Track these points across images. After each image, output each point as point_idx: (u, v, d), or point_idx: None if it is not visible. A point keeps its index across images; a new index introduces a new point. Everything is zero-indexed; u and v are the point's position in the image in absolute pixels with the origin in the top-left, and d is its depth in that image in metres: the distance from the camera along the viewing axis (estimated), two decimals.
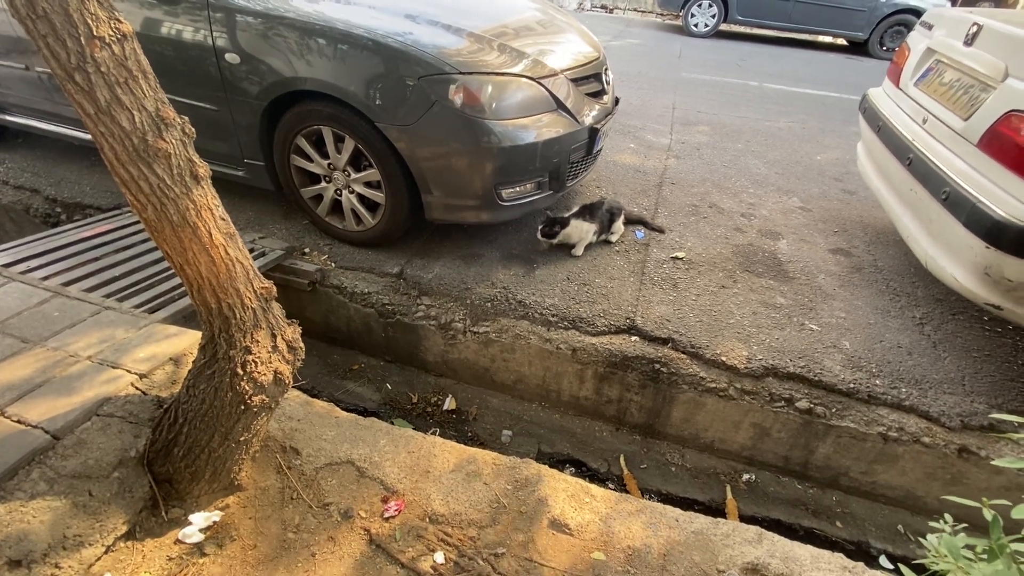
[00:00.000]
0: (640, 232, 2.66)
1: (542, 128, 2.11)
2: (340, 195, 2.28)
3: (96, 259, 2.10)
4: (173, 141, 1.08)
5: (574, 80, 2.28)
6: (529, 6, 2.76)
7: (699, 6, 8.44)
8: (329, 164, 2.20)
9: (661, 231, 2.68)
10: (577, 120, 2.24)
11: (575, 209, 2.44)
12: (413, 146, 1.98)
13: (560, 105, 2.17)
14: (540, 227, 2.36)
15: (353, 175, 2.19)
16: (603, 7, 11.47)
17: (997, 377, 1.93)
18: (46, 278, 1.93)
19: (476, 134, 1.96)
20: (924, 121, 2.06)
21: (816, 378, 1.89)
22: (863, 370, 1.93)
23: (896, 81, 2.44)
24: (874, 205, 3.11)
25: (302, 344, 1.50)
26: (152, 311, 1.84)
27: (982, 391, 1.87)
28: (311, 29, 1.95)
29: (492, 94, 1.97)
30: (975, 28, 1.91)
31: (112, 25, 0.97)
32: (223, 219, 1.26)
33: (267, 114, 2.14)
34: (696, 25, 8.58)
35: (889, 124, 2.25)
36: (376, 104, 1.93)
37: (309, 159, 2.22)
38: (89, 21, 0.93)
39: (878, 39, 7.98)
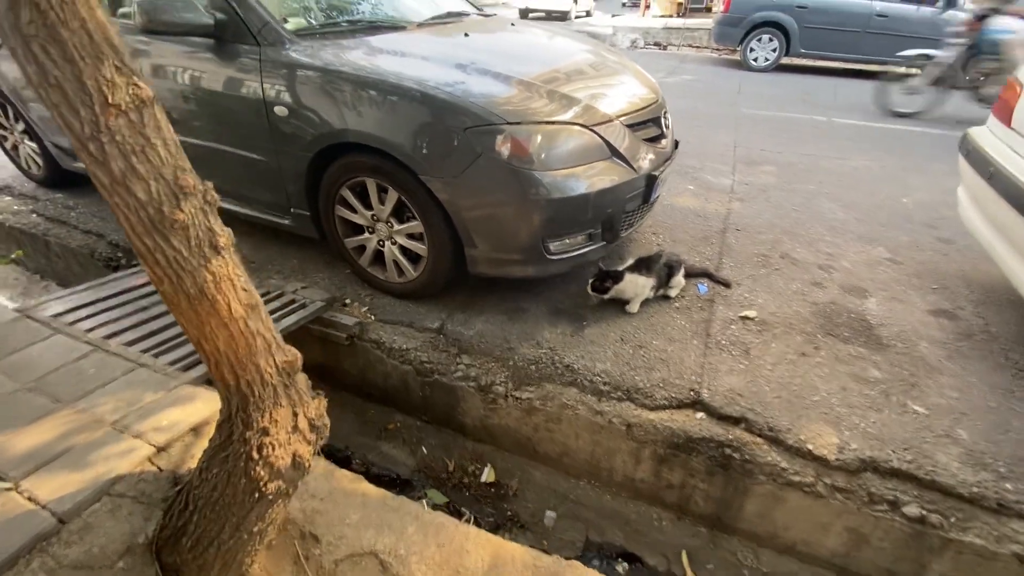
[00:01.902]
0: (703, 286, 2.42)
1: (595, 177, 1.95)
2: (383, 246, 2.20)
3: (141, 309, 2.09)
4: (192, 211, 0.99)
5: (630, 125, 2.12)
6: (582, 48, 2.65)
7: (759, 40, 8.18)
8: (372, 215, 2.13)
9: (727, 285, 2.42)
10: (633, 167, 2.06)
11: (630, 262, 2.23)
12: (457, 199, 1.87)
13: (615, 152, 2.01)
14: (591, 281, 2.17)
15: (396, 226, 2.10)
16: (656, 44, 11.41)
17: None
18: (91, 329, 1.92)
19: (523, 186, 1.82)
20: None
21: (928, 477, 1.56)
22: (988, 469, 1.58)
23: (1007, 120, 2.12)
24: (979, 257, 2.71)
25: (327, 420, 1.36)
26: (186, 368, 1.78)
27: None
28: (362, 81, 1.90)
29: (541, 143, 1.83)
30: None
31: (131, 91, 0.90)
32: (245, 289, 1.16)
33: (313, 165, 2.10)
34: (755, 60, 8.31)
35: (1005, 171, 1.93)
36: (420, 156, 1.84)
37: (353, 210, 2.15)
38: (104, 88, 0.86)
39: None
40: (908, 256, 2.75)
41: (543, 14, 15.93)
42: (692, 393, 1.83)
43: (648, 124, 2.27)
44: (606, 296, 2.17)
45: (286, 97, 2.02)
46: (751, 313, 2.22)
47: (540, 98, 1.95)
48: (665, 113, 2.44)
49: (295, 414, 1.27)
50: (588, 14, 17.95)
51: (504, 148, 1.79)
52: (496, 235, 1.94)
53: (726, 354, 2.01)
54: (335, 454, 2.12)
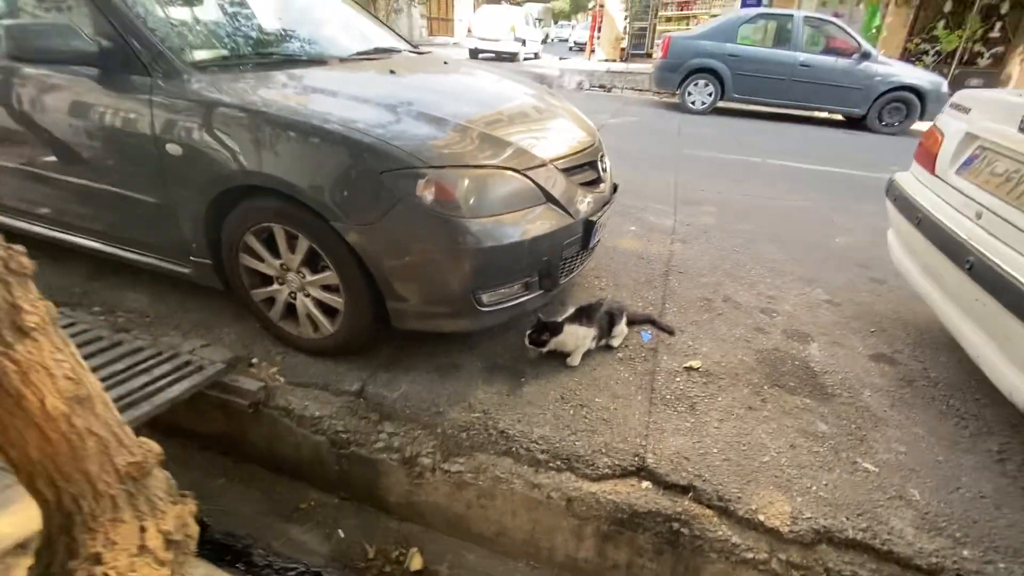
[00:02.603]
0: (647, 333, 2.30)
1: (529, 224, 1.81)
2: (295, 298, 1.96)
3: None
4: None
5: (566, 169, 2.02)
6: (525, 91, 2.57)
7: (695, 84, 8.60)
8: (282, 264, 1.89)
9: (671, 332, 2.31)
10: (570, 213, 1.94)
11: (570, 311, 2.09)
12: (374, 248, 1.68)
13: (549, 197, 1.89)
14: (528, 334, 2.00)
15: (309, 277, 1.88)
16: (601, 86, 11.84)
17: None
18: None
19: (450, 234, 1.66)
20: (978, 216, 1.75)
21: (885, 547, 1.45)
22: (944, 534, 1.48)
23: (930, 168, 2.16)
24: (910, 297, 2.75)
25: (193, 529, 1.10)
26: None
27: None
28: (268, 119, 1.70)
29: (468, 189, 1.68)
30: None
31: None
32: (70, 378, 0.91)
33: (213, 209, 1.86)
34: (693, 103, 8.71)
35: (932, 217, 1.95)
36: (330, 201, 1.64)
37: (260, 259, 1.91)
38: None
39: (876, 115, 8.01)
40: (845, 297, 2.76)
41: (492, 55, 16.34)
42: (637, 459, 1.67)
43: (585, 168, 2.18)
44: (544, 349, 2.01)
45: (181, 134, 1.79)
46: (696, 363, 2.12)
47: (469, 141, 1.82)
48: (603, 156, 2.37)
49: (143, 529, 1.01)
50: (536, 56, 18.58)
51: (427, 193, 1.63)
52: (422, 287, 1.75)
53: (671, 410, 1.88)
54: (232, 545, 1.81)
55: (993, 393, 2.00)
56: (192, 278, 2.11)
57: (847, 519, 1.51)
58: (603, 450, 1.70)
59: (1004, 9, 10.92)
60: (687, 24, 14.30)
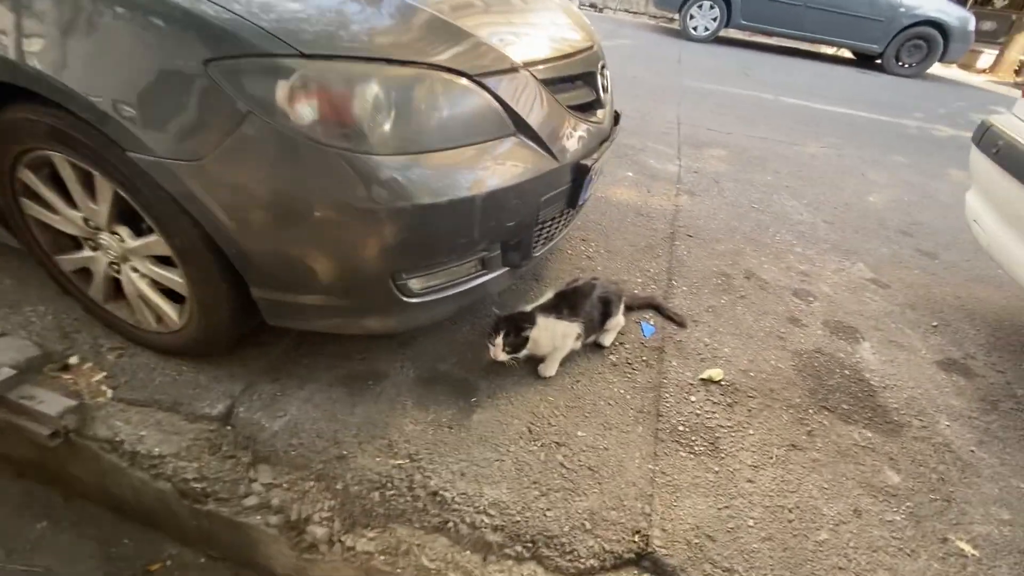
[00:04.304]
0: (649, 325, 1.70)
1: (487, 170, 1.13)
2: (119, 272, 1.26)
3: None
4: None
5: (549, 82, 1.30)
6: None
7: (699, 7, 7.56)
8: (86, 220, 1.18)
9: (683, 324, 1.71)
10: (552, 152, 1.25)
11: (547, 296, 1.46)
12: (208, 200, 0.97)
13: (521, 127, 1.19)
14: (491, 333, 1.37)
15: (130, 242, 1.17)
16: (592, 5, 10.55)
17: None
18: None
19: (344, 182, 0.96)
20: None
21: None
22: None
23: None
24: (970, 279, 2.21)
25: None
26: None
27: None
28: None
29: (379, 102, 0.97)
30: None
31: None
32: None
33: None
34: (695, 28, 7.71)
35: None
36: (117, 114, 0.91)
37: (51, 208, 1.19)
38: None
39: (894, 53, 7.22)
40: (893, 276, 2.19)
41: None
42: (637, 539, 1.11)
43: (577, 83, 1.46)
44: (523, 355, 1.38)
45: None
46: (716, 373, 1.53)
47: (404, 25, 1.07)
48: (603, 68, 1.64)
49: None
50: None
51: (301, 106, 0.91)
52: (298, 267, 1.07)
53: (686, 451, 1.31)
54: None
55: None
56: None
57: None
58: (587, 523, 1.12)
59: None
60: None
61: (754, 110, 4.50)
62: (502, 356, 1.33)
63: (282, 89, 0.89)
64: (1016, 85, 8.72)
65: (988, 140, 1.76)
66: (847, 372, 1.62)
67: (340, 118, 0.94)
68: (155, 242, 1.11)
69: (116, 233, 1.17)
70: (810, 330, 1.79)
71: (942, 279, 2.22)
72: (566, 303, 1.44)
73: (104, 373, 1.34)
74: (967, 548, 1.17)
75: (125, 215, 1.13)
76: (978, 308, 2.04)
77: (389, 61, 0.99)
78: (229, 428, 1.26)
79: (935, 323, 1.92)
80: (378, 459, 1.20)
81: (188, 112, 0.91)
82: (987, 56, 10.17)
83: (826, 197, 2.87)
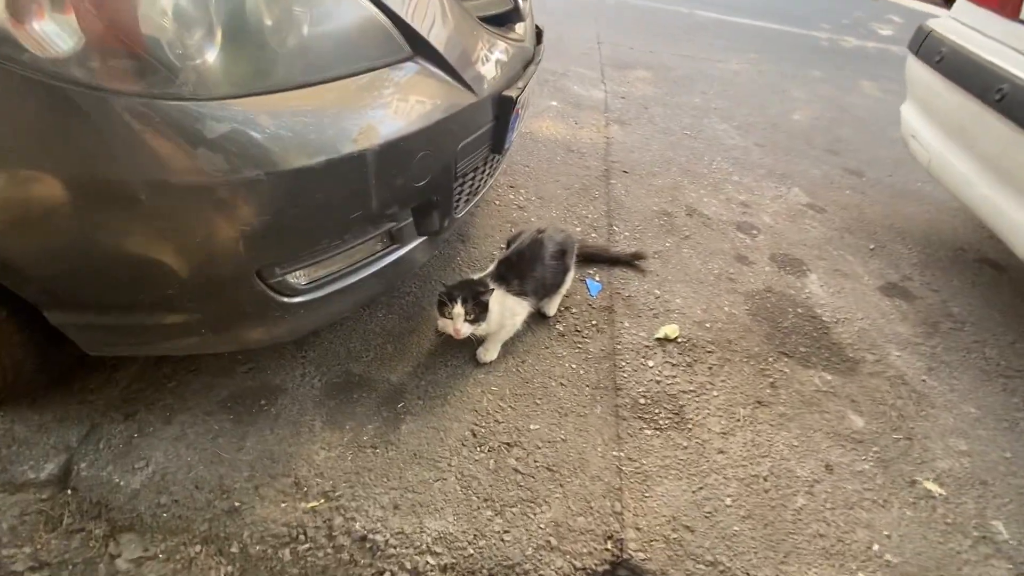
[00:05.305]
0: (595, 282, 1.50)
1: (379, 111, 0.81)
2: None
3: None
4: None
5: None
6: None
7: None
8: None
9: (642, 257, 1.54)
10: (467, 83, 0.95)
11: (494, 265, 1.21)
12: None
13: (420, 46, 0.86)
14: (444, 303, 1.09)
15: None
16: None
17: None
18: None
19: (151, 147, 0.62)
20: None
21: None
22: None
23: (1013, 12, 1.41)
24: (893, 195, 2.21)
25: None
26: None
27: None
28: None
29: (185, 13, 0.61)
30: None
31: None
32: None
33: None
34: None
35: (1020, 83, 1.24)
36: None
37: None
38: None
39: None
40: (827, 199, 2.13)
41: None
42: (610, 546, 0.95)
43: None
44: (476, 327, 1.12)
45: None
46: (672, 331, 1.38)
47: None
48: None
49: None
50: None
51: (44, 25, 0.54)
52: (114, 278, 0.73)
53: (651, 428, 1.16)
54: None
55: (1021, 328, 1.53)
56: None
57: None
58: (552, 539, 0.95)
59: None
60: None
61: (672, 25, 4.26)
62: (465, 329, 1.07)
63: None
64: None
65: (928, 48, 1.65)
66: (800, 310, 1.54)
67: (121, 43, 0.58)
68: None
69: None
70: (758, 267, 1.68)
71: (871, 198, 2.20)
72: (512, 272, 1.20)
73: None
74: (934, 488, 1.14)
75: None
76: (907, 226, 2.04)
77: None
78: (69, 493, 0.93)
79: (872, 246, 1.89)
80: (283, 505, 0.93)
81: None
82: None
83: (754, 118, 2.76)
